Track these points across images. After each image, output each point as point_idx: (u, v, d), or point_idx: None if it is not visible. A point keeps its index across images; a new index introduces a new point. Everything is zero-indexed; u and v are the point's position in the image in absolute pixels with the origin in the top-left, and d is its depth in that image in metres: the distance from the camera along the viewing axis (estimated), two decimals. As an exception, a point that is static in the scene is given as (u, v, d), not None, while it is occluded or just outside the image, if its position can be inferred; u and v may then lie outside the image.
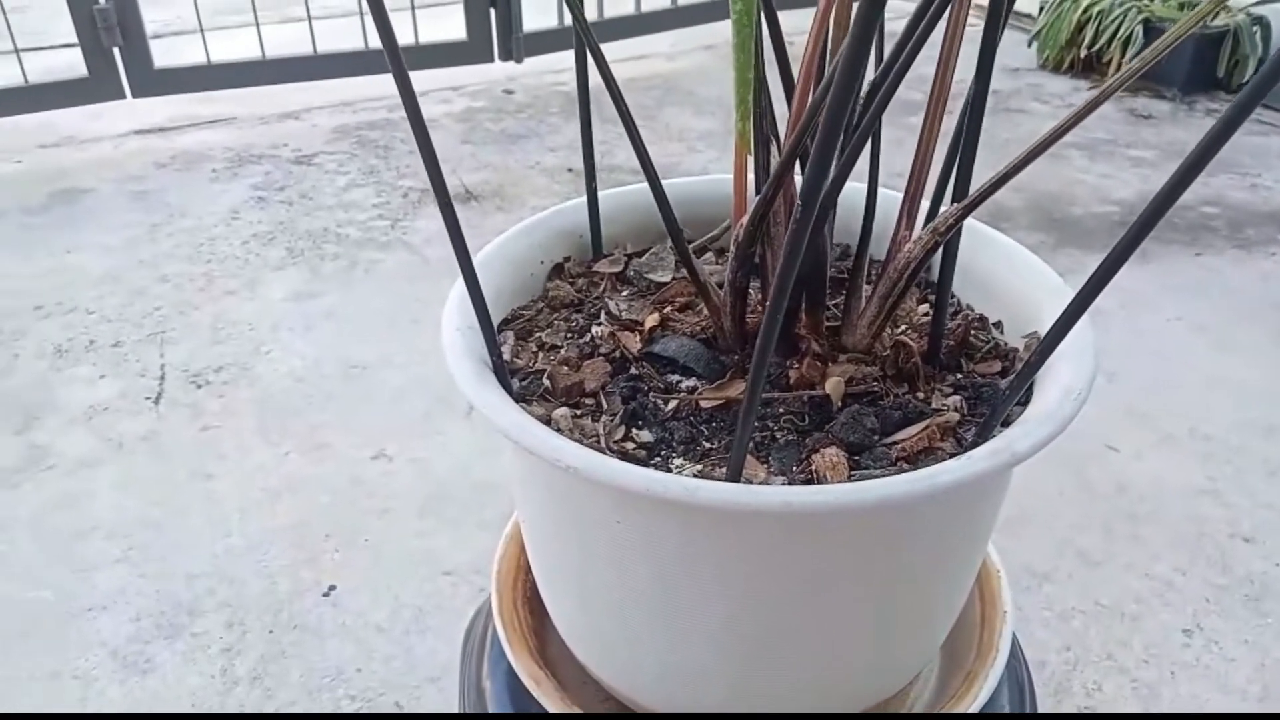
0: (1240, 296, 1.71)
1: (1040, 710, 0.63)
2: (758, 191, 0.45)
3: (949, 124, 0.44)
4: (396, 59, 0.36)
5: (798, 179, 0.44)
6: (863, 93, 0.44)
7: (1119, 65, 2.63)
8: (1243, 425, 1.39)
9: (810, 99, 0.40)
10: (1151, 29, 2.55)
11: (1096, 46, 2.62)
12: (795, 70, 0.43)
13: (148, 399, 1.46)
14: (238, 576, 1.17)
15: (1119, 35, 2.55)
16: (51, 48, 2.72)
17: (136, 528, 1.24)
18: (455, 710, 0.65)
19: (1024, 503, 1.25)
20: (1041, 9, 2.79)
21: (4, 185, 2.13)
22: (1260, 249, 1.87)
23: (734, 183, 0.44)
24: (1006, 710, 0.58)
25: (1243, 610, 1.11)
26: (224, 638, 1.09)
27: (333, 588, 1.16)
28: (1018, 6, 3.15)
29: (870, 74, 0.44)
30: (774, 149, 0.45)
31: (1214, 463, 1.33)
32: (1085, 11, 2.62)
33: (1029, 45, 2.80)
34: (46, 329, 1.63)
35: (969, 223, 0.55)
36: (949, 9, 0.39)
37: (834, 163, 0.42)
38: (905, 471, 0.41)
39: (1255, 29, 2.49)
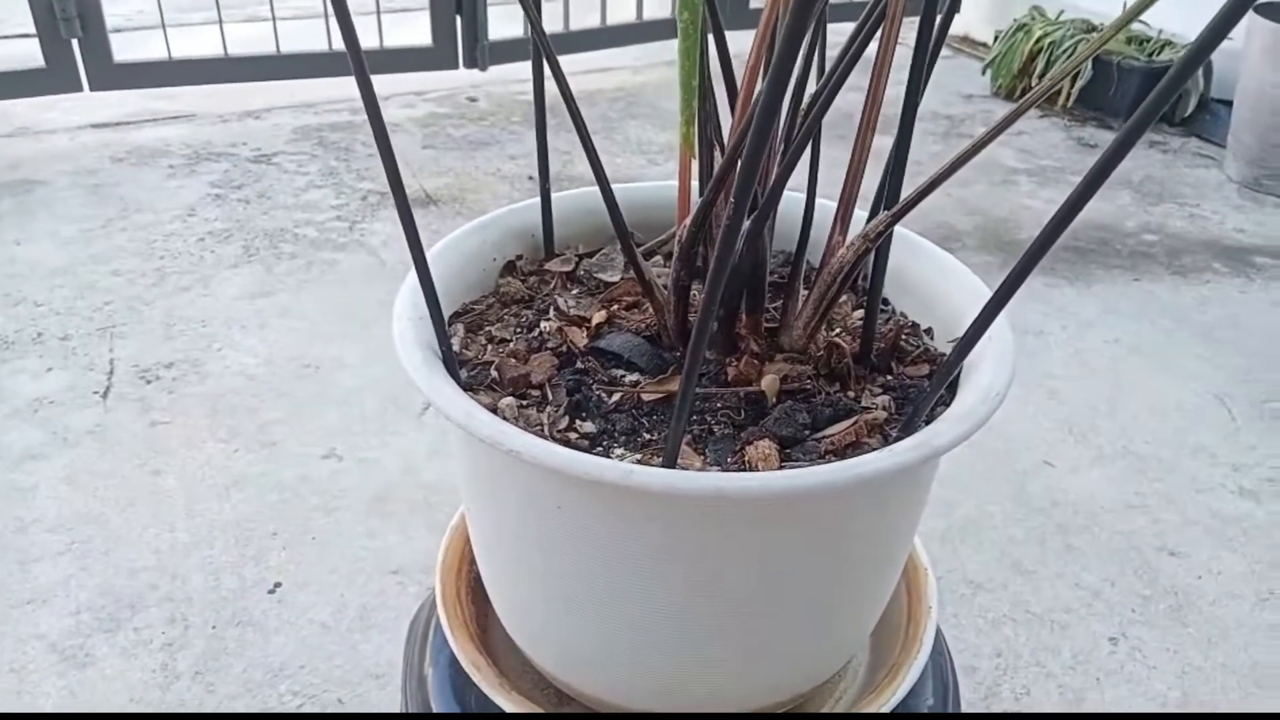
0: (1176, 320, 1.77)
1: (964, 708, 0.66)
2: (701, 195, 0.47)
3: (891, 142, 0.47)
4: (356, 52, 0.37)
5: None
6: (803, 105, 0.46)
7: (1069, 96, 2.71)
8: (1173, 444, 1.44)
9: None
10: (1100, 62, 2.63)
11: (1048, 77, 2.70)
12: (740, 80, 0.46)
13: (95, 393, 1.45)
14: (181, 572, 1.16)
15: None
16: (9, 37, 2.68)
17: (80, 522, 1.22)
18: (398, 706, 0.66)
19: (961, 515, 1.29)
20: (996, 38, 2.87)
21: (-47, 174, 2.10)
22: (1196, 275, 1.93)
23: (679, 184, 0.46)
24: (930, 703, 0.60)
25: (1166, 620, 1.16)
26: (166, 633, 1.09)
27: (278, 585, 1.15)
28: (973, 34, 3.23)
29: (812, 87, 0.46)
30: (718, 154, 0.47)
31: (1145, 479, 1.37)
32: (1037, 43, 2.70)
33: (983, 73, 2.87)
34: (-8, 320, 1.61)
35: (909, 236, 0.57)
36: (883, 26, 0.41)
37: (774, 166, 0.45)
38: (832, 463, 0.43)
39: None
